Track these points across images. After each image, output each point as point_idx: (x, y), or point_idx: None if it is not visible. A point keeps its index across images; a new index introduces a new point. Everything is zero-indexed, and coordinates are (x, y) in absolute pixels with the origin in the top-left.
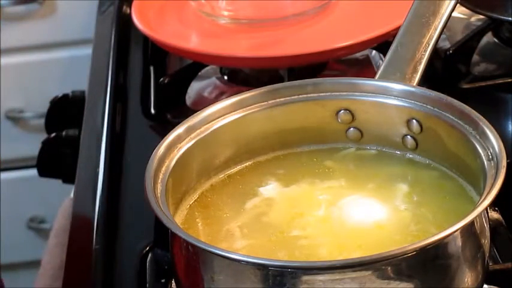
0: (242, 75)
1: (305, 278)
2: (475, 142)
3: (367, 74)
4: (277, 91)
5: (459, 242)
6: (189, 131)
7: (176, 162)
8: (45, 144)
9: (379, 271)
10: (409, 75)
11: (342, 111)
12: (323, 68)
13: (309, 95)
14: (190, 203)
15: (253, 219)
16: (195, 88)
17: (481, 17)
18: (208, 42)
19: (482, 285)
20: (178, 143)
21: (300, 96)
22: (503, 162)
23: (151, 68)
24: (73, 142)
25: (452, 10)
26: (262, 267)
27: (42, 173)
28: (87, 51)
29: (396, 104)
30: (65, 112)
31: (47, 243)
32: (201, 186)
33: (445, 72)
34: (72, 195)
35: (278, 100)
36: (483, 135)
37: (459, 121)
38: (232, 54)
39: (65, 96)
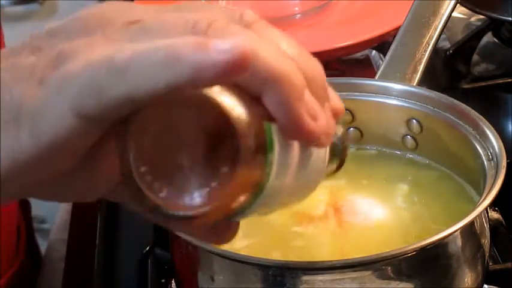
0: None
1: (305, 278)
2: (475, 142)
3: (367, 74)
4: None
5: (459, 242)
6: None
7: None
8: None
9: (379, 271)
10: (409, 75)
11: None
12: (323, 68)
13: None
14: None
15: (253, 218)
16: None
17: (481, 17)
18: None
19: (482, 285)
20: None
21: None
22: (503, 162)
23: None
24: None
25: (452, 10)
26: (262, 267)
27: None
28: None
29: (396, 104)
30: None
31: (48, 240)
32: None
33: (445, 72)
34: None
35: None
36: (483, 135)
37: (459, 121)
38: None
39: None
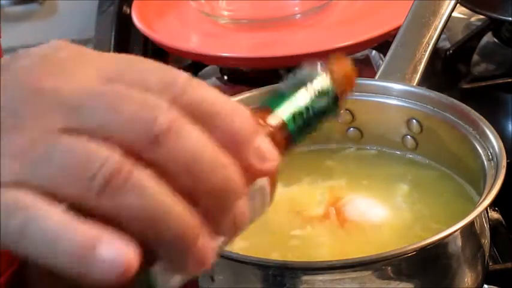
0: (242, 75)
1: (305, 278)
2: (475, 142)
3: (367, 74)
4: None
5: (459, 242)
6: None
7: None
8: None
9: (379, 271)
10: (409, 75)
11: (342, 111)
12: None
13: None
14: None
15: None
16: None
17: (481, 17)
18: (208, 42)
19: (482, 285)
20: None
21: None
22: (503, 162)
23: None
24: None
25: (452, 10)
26: (262, 267)
27: None
28: None
29: (396, 104)
30: None
31: None
32: None
33: (445, 72)
34: None
35: None
36: (483, 135)
37: (459, 121)
38: (232, 54)
39: None
